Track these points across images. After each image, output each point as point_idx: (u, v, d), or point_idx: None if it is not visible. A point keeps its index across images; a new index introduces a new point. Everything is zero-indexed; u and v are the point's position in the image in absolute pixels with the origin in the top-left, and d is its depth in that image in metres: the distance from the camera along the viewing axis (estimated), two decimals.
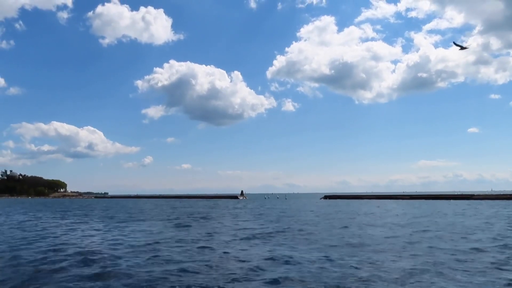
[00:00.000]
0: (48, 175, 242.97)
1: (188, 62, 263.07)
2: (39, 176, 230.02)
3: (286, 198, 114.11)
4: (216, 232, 20.40)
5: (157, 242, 16.31)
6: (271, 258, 12.24)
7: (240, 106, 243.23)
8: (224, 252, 13.64)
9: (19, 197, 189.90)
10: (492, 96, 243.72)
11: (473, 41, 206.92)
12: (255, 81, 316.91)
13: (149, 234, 19.87)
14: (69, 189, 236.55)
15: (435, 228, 21.20)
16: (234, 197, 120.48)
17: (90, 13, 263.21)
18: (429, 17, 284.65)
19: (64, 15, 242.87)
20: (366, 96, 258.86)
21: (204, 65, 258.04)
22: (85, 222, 29.37)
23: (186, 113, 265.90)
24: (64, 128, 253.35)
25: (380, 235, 18.37)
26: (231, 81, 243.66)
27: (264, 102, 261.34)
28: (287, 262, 11.63)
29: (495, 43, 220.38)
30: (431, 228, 21.18)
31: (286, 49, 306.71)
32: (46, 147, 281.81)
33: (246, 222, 28.24)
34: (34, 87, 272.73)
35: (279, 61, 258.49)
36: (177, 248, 14.75)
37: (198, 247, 14.84)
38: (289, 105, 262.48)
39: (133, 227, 24.31)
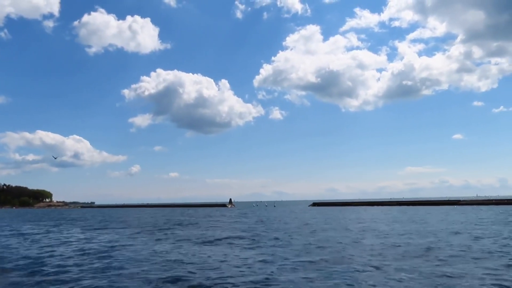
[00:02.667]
0: (33, 185, 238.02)
1: (175, 70, 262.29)
2: (24, 186, 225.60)
3: (274, 206, 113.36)
4: (179, 239, 21.64)
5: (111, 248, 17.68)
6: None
7: (228, 114, 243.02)
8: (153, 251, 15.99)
9: (2, 208, 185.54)
10: (476, 103, 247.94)
11: (456, 50, 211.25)
12: (242, 89, 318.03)
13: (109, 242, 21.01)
14: (55, 199, 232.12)
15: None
16: (223, 205, 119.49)
17: (76, 22, 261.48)
18: (412, 27, 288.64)
19: (50, 24, 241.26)
20: (353, 104, 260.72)
21: (191, 74, 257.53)
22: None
23: (173, 122, 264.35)
24: (49, 137, 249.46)
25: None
26: (218, 90, 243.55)
27: (252, 110, 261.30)
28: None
29: (477, 51, 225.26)
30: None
31: (273, 58, 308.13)
32: (31, 157, 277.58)
33: (216, 228, 29.15)
34: (19, 96, 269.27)
35: (266, 70, 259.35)
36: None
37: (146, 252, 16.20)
38: (276, 113, 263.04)
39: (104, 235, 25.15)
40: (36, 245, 20.25)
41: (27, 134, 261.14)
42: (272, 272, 11.45)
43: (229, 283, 10.15)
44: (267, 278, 10.57)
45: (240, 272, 11.61)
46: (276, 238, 20.83)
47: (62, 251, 17.42)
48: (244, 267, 12.44)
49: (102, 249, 17.66)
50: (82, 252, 16.62)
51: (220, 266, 12.61)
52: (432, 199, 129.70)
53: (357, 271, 11.30)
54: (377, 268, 11.73)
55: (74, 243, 20.94)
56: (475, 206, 73.25)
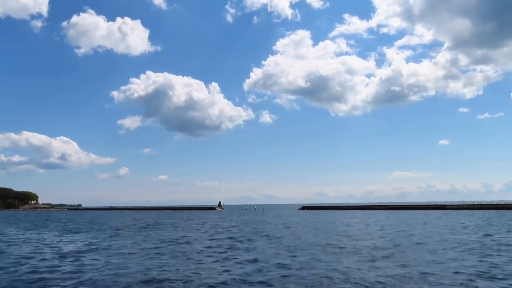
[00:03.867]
0: (18, 187, 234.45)
1: (165, 73, 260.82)
2: (9, 187, 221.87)
3: (263, 210, 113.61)
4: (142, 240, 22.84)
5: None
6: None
7: (218, 117, 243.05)
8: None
9: None
10: (461, 109, 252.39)
11: (442, 57, 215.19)
12: (233, 92, 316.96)
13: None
14: (41, 201, 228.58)
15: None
16: (212, 208, 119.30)
17: (65, 23, 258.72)
18: (400, 34, 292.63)
19: (38, 24, 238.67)
20: (342, 108, 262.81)
21: (181, 76, 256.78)
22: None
23: (163, 124, 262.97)
24: (35, 138, 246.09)
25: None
26: (209, 93, 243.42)
27: (242, 114, 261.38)
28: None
29: (463, 59, 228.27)
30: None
31: (263, 62, 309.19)
32: (16, 158, 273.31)
33: (191, 230, 30.11)
34: (4, 95, 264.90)
35: (256, 74, 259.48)
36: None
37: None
38: (266, 117, 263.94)
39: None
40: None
41: (12, 135, 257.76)
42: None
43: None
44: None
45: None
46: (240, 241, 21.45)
47: (30, 253, 17.98)
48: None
49: (72, 251, 18.20)
50: (52, 255, 17.12)
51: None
52: (419, 204, 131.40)
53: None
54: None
55: (45, 245, 21.52)
56: (459, 211, 74.62)
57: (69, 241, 23.75)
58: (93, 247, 19.92)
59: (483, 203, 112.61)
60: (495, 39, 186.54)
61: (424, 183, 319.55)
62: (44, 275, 12.20)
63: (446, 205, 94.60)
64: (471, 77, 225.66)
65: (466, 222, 36.76)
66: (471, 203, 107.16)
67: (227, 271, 12.48)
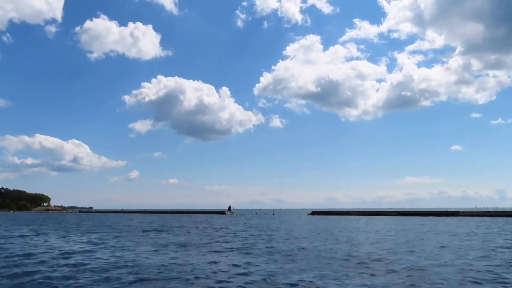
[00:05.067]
0: (31, 189, 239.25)
1: (176, 77, 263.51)
2: (22, 189, 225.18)
3: (273, 214, 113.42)
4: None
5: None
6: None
7: (228, 121, 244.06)
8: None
9: (0, 211, 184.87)
10: (474, 115, 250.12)
11: (454, 62, 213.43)
12: (243, 97, 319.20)
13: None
14: (53, 203, 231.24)
15: None
16: (221, 212, 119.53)
17: (78, 28, 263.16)
18: (411, 39, 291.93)
19: (52, 29, 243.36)
20: (352, 113, 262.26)
21: (192, 81, 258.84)
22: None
23: (173, 128, 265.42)
24: (48, 141, 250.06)
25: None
26: (219, 97, 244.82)
27: (252, 118, 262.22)
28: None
29: (475, 63, 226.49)
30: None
31: (273, 66, 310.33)
32: (29, 160, 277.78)
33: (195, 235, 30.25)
34: (19, 99, 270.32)
35: (266, 78, 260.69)
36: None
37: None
38: (276, 121, 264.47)
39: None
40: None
41: (26, 138, 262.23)
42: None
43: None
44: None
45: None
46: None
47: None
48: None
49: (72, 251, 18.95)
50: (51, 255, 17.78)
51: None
52: (431, 210, 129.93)
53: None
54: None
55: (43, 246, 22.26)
56: (473, 218, 73.58)
57: (87, 241, 24.16)
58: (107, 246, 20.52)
59: (497, 210, 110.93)
60: (508, 43, 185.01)
61: (436, 189, 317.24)
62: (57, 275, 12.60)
63: (458, 211, 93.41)
64: (484, 82, 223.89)
65: None
66: (484, 210, 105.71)
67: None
